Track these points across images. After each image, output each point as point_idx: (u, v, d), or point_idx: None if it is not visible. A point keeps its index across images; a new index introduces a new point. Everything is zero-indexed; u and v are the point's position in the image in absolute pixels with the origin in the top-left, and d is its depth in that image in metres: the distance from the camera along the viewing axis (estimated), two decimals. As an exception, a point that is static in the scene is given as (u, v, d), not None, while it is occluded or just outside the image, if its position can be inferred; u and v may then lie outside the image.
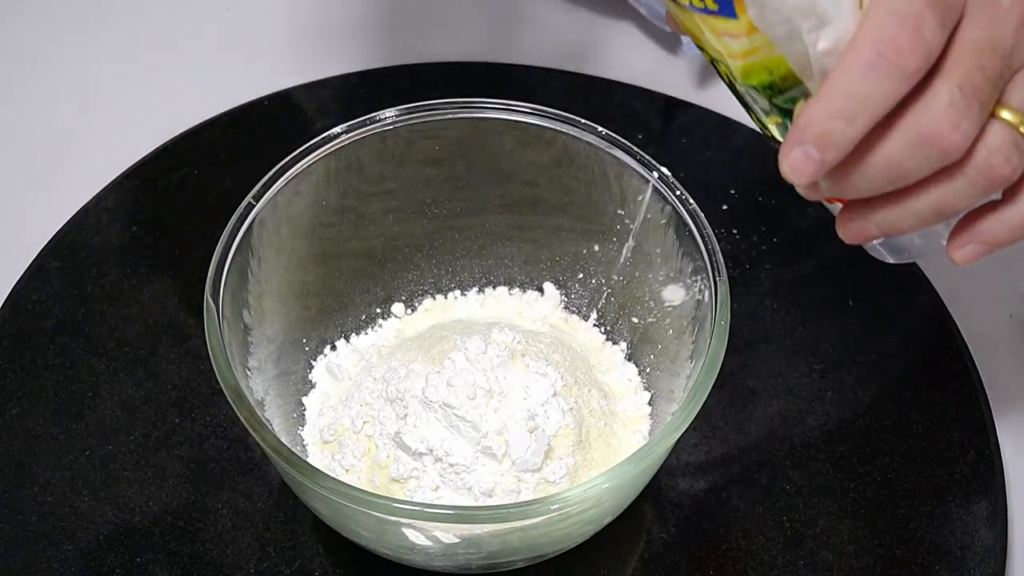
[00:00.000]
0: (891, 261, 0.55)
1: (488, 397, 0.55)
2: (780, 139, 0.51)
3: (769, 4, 0.46)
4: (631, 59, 0.83)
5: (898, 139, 0.46)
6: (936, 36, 0.44)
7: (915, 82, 0.45)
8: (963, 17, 0.46)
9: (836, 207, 0.52)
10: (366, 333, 0.65)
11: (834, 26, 0.46)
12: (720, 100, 0.78)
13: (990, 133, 0.46)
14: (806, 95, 0.48)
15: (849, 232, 0.51)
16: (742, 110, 0.79)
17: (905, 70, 0.44)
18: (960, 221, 0.51)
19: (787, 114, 0.50)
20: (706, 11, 0.48)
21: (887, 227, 0.50)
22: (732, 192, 0.73)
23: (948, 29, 0.45)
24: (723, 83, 0.53)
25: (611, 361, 0.64)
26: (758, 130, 0.53)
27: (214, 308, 0.54)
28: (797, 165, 0.46)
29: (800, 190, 0.49)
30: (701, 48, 0.51)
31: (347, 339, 0.64)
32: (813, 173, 0.46)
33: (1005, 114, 0.46)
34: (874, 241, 0.55)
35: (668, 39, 0.83)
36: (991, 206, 0.49)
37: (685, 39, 0.79)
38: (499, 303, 0.66)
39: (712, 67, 0.52)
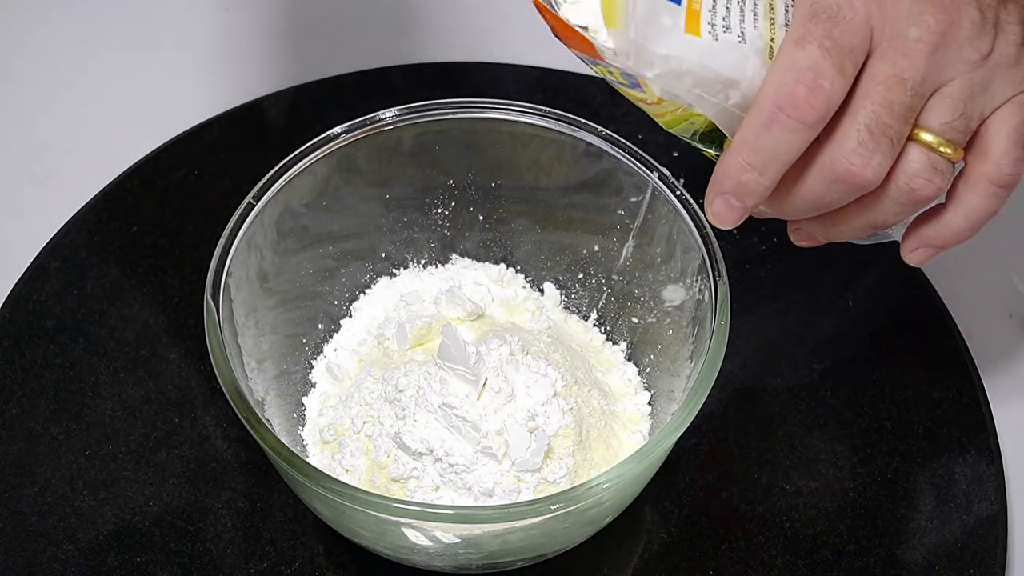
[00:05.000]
0: (865, 243, 0.56)
1: (492, 396, 0.55)
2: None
3: (669, 83, 0.47)
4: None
5: (815, 177, 0.48)
6: (836, 84, 0.46)
7: (819, 129, 0.47)
8: (871, 52, 0.47)
9: None
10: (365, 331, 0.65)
11: (742, 85, 0.48)
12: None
13: (908, 157, 0.48)
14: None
15: (798, 238, 0.54)
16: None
17: (805, 122, 0.46)
18: (910, 225, 0.53)
19: (718, 146, 0.51)
20: (619, 83, 0.49)
21: (830, 237, 0.53)
22: (732, 192, 0.73)
23: (851, 72, 0.47)
24: None
25: (611, 361, 0.64)
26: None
27: (214, 308, 0.54)
28: (721, 213, 0.50)
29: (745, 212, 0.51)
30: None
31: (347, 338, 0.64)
32: (737, 219, 0.50)
33: (924, 136, 0.48)
34: None
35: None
36: (936, 211, 0.51)
37: None
38: (499, 303, 0.66)
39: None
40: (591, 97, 0.78)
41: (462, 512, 0.49)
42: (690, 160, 0.75)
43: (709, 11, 0.47)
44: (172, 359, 0.65)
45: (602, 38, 0.46)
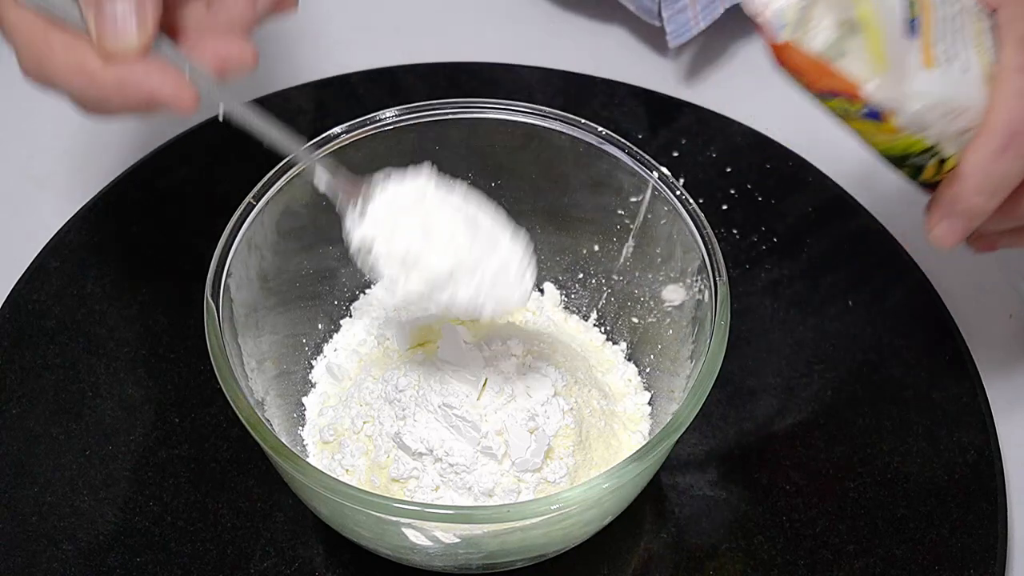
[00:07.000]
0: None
1: (492, 396, 0.55)
2: (905, 178, 0.54)
3: (918, 117, 0.49)
4: (631, 59, 0.83)
5: None
6: None
7: None
8: None
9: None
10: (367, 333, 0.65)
11: (971, 111, 0.50)
12: (720, 100, 0.78)
13: None
14: (940, 158, 0.51)
15: (980, 246, 0.57)
16: (741, 109, 0.79)
17: None
18: None
19: (917, 170, 0.53)
20: (853, 116, 0.51)
21: (1016, 245, 0.56)
22: (732, 192, 0.73)
23: None
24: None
25: (611, 361, 0.64)
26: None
27: (214, 308, 0.54)
28: (945, 235, 0.52)
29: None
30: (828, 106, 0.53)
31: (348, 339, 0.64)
32: (959, 240, 0.52)
33: None
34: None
35: (658, 39, 0.83)
36: None
37: (670, 32, 0.79)
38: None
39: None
40: (591, 97, 0.78)
41: (462, 512, 0.49)
42: (690, 160, 0.75)
43: (940, 42, 0.49)
44: (172, 359, 0.65)
45: (868, 81, 0.49)
